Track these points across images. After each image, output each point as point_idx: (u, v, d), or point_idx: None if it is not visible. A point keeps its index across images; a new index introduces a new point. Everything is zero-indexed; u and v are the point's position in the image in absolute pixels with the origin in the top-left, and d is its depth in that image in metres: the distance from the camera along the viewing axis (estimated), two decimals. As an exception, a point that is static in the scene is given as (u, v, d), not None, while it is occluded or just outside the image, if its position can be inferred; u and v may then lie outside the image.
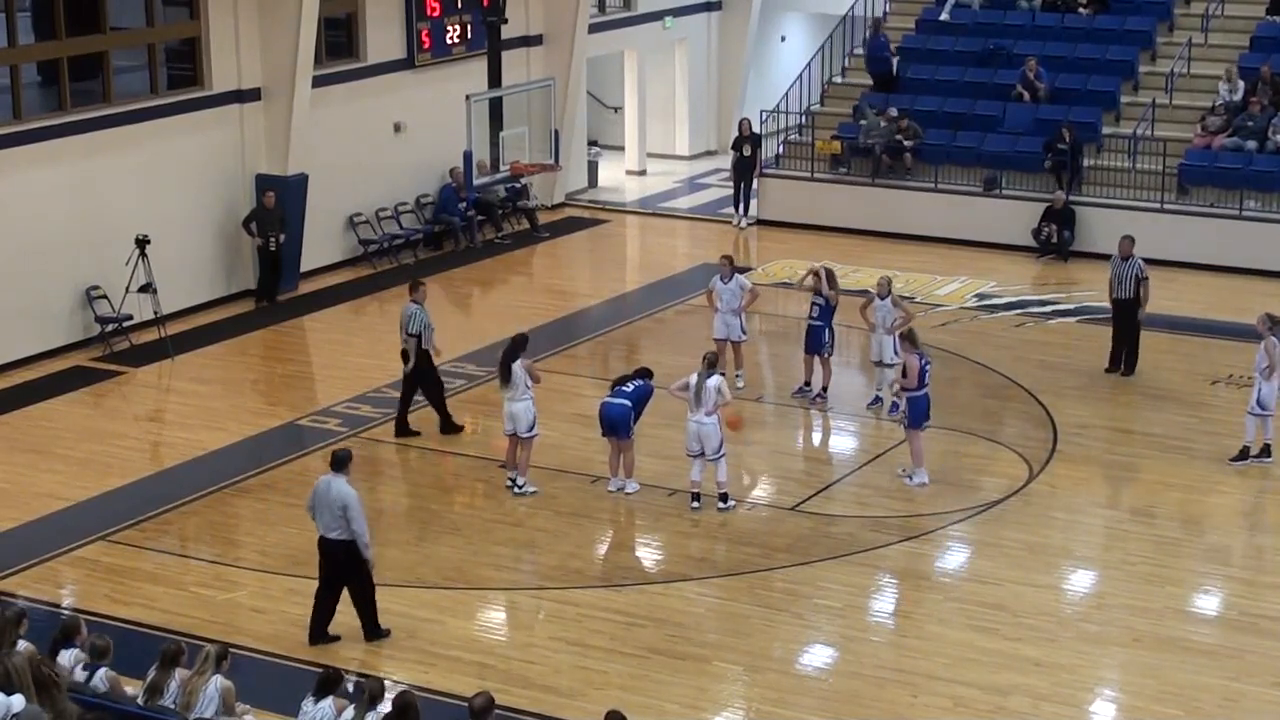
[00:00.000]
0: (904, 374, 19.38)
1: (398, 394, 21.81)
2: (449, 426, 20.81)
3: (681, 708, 14.65)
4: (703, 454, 18.52)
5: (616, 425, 18.90)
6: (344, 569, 15.46)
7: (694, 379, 18.48)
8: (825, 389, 21.76)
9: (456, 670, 15.18)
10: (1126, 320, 22.66)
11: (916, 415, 19.24)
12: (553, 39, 31.54)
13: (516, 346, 19.03)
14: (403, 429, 20.77)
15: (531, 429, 18.95)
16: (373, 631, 15.68)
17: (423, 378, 20.66)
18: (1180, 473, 19.74)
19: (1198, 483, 19.50)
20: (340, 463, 15.51)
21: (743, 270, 24.10)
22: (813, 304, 21.70)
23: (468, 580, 17.12)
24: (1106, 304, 23.23)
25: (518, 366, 18.83)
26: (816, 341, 21.70)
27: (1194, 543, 18.07)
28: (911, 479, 19.30)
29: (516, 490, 19.06)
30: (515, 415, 18.89)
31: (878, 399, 21.53)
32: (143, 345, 24.04)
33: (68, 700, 11.74)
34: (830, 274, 21.76)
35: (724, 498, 18.62)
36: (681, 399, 18.66)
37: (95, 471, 19.85)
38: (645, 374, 19.45)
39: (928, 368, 19.39)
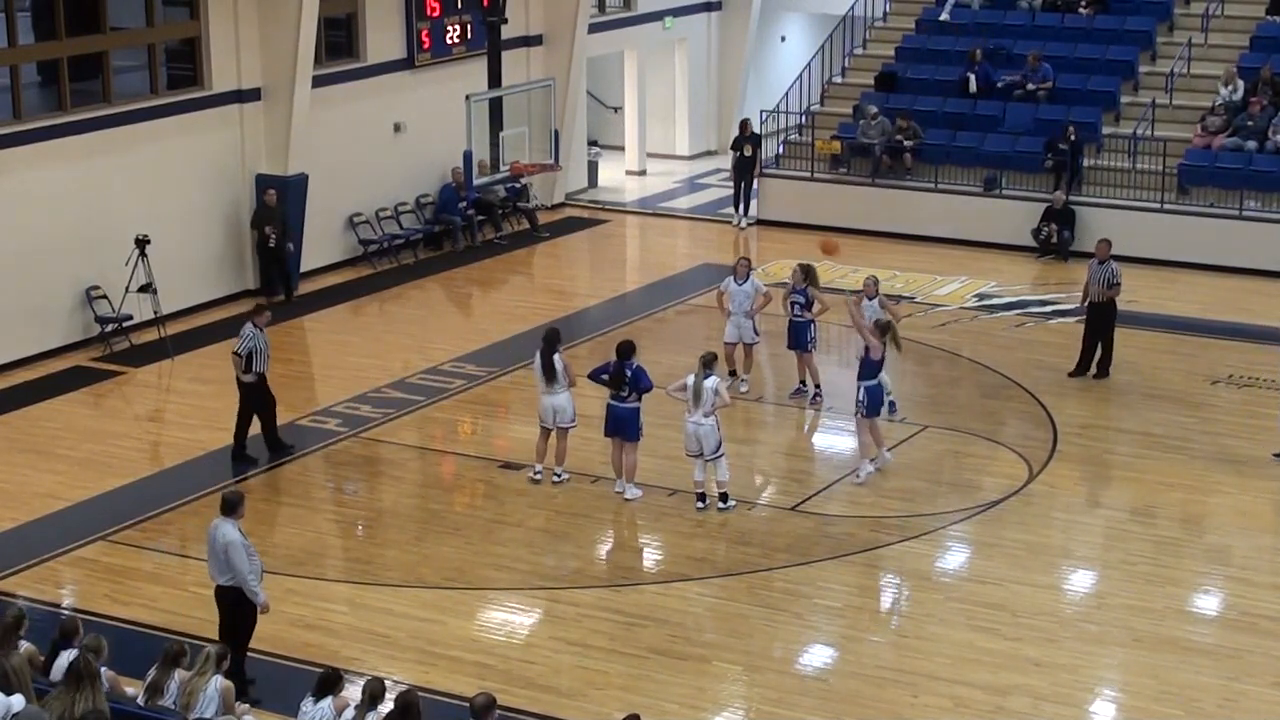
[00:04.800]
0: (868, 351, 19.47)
1: (397, 394, 21.86)
2: (278, 446, 20.25)
3: (681, 708, 14.64)
4: (701, 454, 18.52)
5: (623, 425, 18.88)
6: (235, 617, 14.76)
7: (691, 379, 18.48)
8: (819, 386, 21.76)
9: (456, 670, 15.18)
10: (1102, 323, 22.60)
11: (873, 404, 19.24)
12: (553, 39, 31.55)
13: (553, 341, 19.16)
14: (240, 454, 20.10)
15: (573, 419, 19.16)
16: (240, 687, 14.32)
17: (258, 400, 20.11)
18: (1180, 473, 19.74)
19: (1198, 483, 19.49)
20: (229, 505, 14.75)
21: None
22: (792, 301, 21.70)
23: (468, 580, 17.12)
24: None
25: (559, 359, 18.98)
26: (800, 338, 21.72)
27: (1194, 543, 18.06)
28: (859, 475, 19.30)
29: (555, 480, 19.15)
30: (559, 408, 19.06)
31: None
32: (143, 345, 24.05)
33: (104, 698, 11.78)
34: (811, 270, 21.84)
35: (724, 498, 18.61)
36: (679, 400, 18.65)
37: (95, 471, 19.86)
38: (625, 352, 19.06)
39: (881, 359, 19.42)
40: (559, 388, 19.06)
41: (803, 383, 21.95)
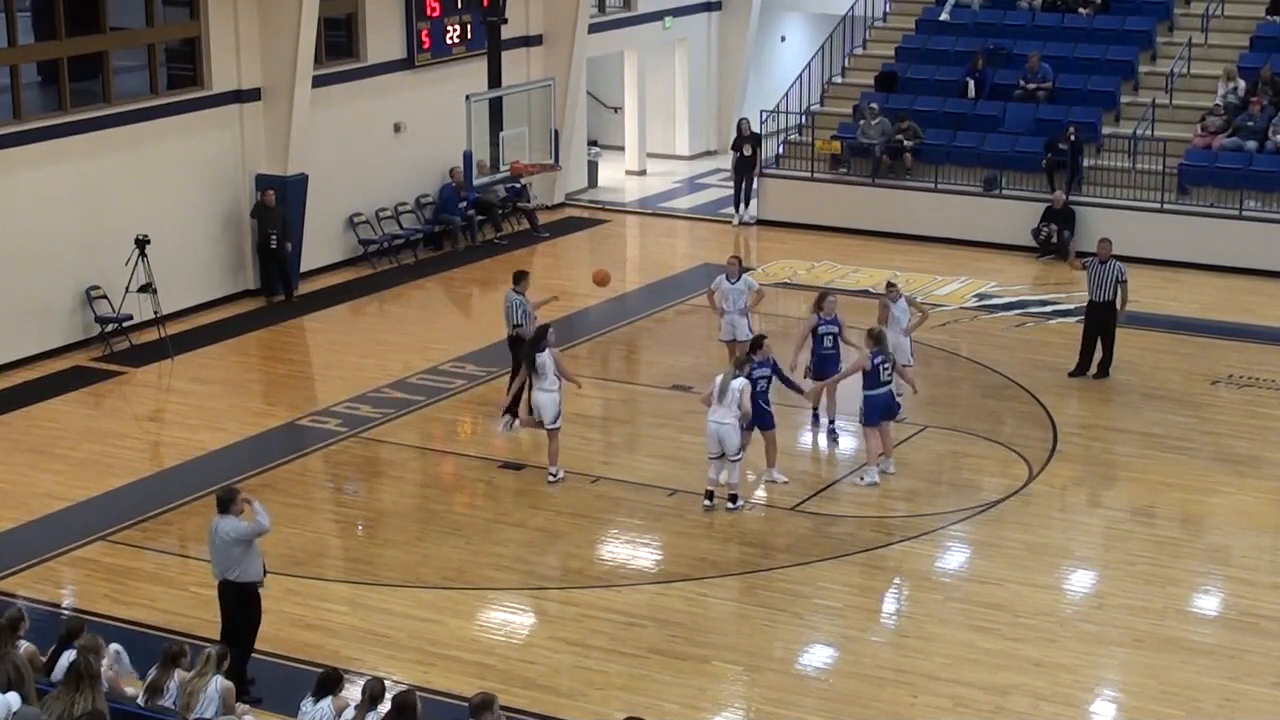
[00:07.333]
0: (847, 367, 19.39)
1: (397, 394, 21.85)
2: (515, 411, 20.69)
3: (681, 708, 14.64)
4: (722, 455, 18.43)
5: (763, 416, 18.80)
6: (238, 612, 14.79)
7: (720, 378, 18.38)
8: (834, 421, 20.79)
9: (456, 670, 15.18)
10: (1103, 323, 22.58)
11: (872, 413, 19.21)
12: (553, 39, 31.55)
13: (539, 338, 19.22)
14: (514, 410, 20.67)
15: (555, 421, 19.09)
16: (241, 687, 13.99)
17: (517, 364, 20.61)
18: (1180, 473, 19.74)
19: (1198, 483, 19.49)
20: (223, 503, 14.79)
21: (746, 270, 24.04)
22: (824, 334, 20.37)
23: (468, 580, 17.12)
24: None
25: (545, 356, 19.01)
26: (831, 369, 20.51)
27: (1194, 543, 18.06)
28: (862, 479, 19.29)
29: (550, 479, 19.15)
30: (541, 405, 19.05)
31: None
32: (143, 345, 24.04)
33: (104, 698, 11.80)
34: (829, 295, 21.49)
35: (733, 498, 18.58)
36: (703, 401, 18.57)
37: (95, 471, 19.85)
38: (756, 345, 19.11)
39: (884, 366, 19.27)
40: (544, 385, 19.04)
41: (816, 412, 20.96)
